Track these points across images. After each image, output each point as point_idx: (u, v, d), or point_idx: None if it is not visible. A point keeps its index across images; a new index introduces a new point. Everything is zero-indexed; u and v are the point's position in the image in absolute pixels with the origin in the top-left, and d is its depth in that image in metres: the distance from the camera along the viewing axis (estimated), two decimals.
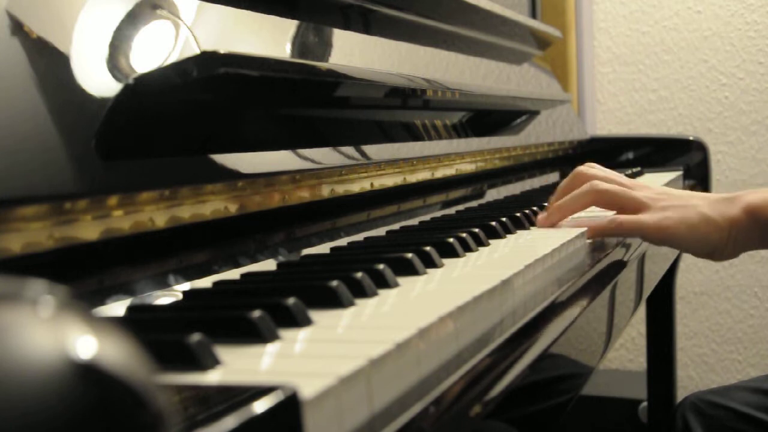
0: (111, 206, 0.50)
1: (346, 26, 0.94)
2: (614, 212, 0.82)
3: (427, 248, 0.60)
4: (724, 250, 0.80)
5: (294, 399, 0.29)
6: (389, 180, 0.86)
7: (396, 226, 0.81)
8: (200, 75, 0.56)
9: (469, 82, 1.18)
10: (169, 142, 0.59)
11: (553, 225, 0.81)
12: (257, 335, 0.39)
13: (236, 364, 0.36)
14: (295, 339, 0.40)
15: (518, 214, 0.82)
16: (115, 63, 0.56)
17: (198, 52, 0.58)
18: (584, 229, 0.78)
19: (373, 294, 0.50)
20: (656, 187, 0.84)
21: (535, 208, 0.86)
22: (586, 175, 0.84)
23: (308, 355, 0.38)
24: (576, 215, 0.84)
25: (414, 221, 0.85)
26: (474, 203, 1.06)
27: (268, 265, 0.62)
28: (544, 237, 0.73)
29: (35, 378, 0.19)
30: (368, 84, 0.78)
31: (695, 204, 0.79)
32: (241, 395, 0.28)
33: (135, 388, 0.20)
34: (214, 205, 0.58)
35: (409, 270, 0.56)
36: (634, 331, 2.21)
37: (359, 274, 0.50)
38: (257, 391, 0.29)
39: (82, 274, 0.49)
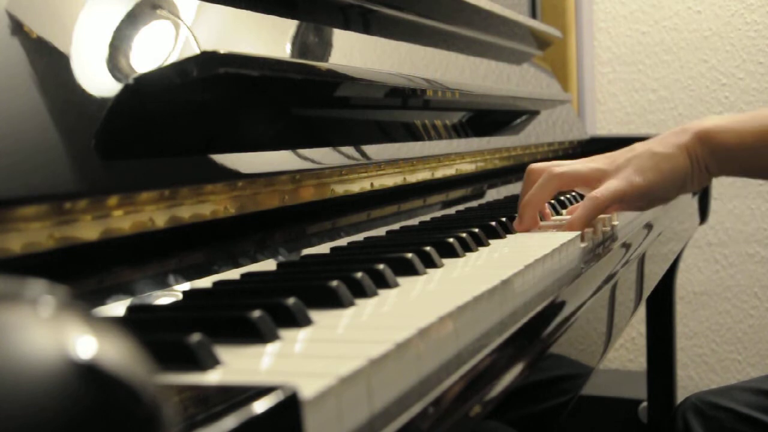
0: (111, 206, 0.50)
1: (346, 26, 0.94)
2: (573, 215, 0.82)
3: (427, 248, 0.60)
4: (693, 179, 0.82)
5: (294, 399, 0.29)
6: (389, 180, 0.86)
7: (396, 226, 0.81)
8: (200, 75, 0.56)
9: (469, 82, 1.18)
10: (168, 142, 0.59)
11: (529, 226, 0.79)
12: (257, 335, 0.39)
13: (236, 364, 0.36)
14: (295, 339, 0.40)
15: None
16: (115, 63, 0.56)
17: (198, 52, 0.58)
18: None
19: (373, 294, 0.50)
20: (603, 154, 0.85)
21: None
22: (538, 168, 0.84)
23: (308, 355, 0.38)
24: (544, 223, 0.83)
25: (414, 221, 0.85)
26: (474, 203, 1.06)
27: (268, 265, 0.62)
28: (545, 237, 0.73)
29: (35, 378, 0.19)
30: (368, 84, 0.78)
31: (646, 149, 0.81)
32: (241, 395, 0.28)
33: (135, 388, 0.20)
34: (214, 205, 0.58)
35: (409, 270, 0.56)
36: (634, 331, 2.21)
37: (359, 274, 0.50)
38: (257, 391, 0.29)
39: (82, 274, 0.49)
